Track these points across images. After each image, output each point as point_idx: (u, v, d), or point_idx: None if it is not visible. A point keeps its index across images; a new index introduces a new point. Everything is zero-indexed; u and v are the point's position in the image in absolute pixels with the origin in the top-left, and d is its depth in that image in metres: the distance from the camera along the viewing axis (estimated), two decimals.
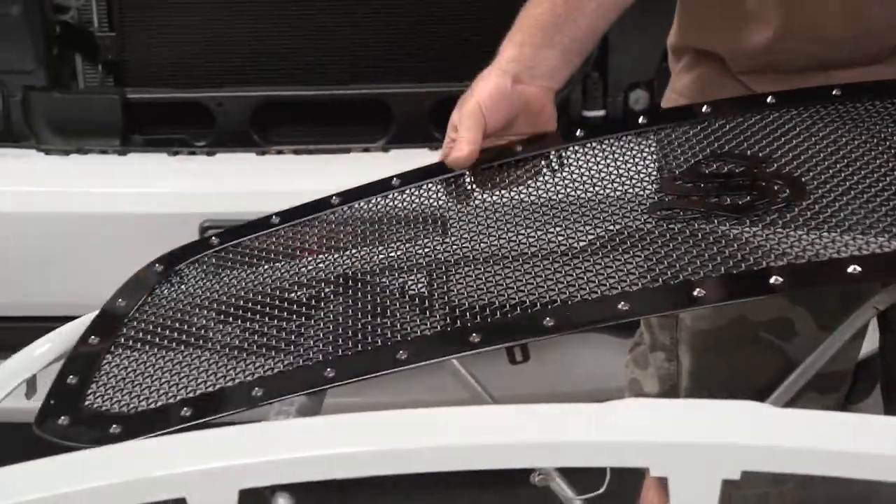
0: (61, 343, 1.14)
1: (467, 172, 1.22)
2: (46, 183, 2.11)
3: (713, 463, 0.81)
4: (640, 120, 1.25)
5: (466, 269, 1.07)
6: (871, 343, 1.53)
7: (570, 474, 1.33)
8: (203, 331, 1.09)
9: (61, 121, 2.20)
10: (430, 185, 1.24)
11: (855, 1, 1.26)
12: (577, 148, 1.24)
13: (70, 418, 0.99)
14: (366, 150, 2.20)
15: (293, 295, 1.10)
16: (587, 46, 1.28)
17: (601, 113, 2.25)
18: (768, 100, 1.22)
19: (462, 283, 1.05)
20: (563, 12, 1.22)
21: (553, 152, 1.24)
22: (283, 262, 1.17)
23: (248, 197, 2.00)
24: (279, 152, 2.18)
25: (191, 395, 0.99)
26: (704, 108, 1.24)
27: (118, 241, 1.94)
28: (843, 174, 1.06)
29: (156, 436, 0.93)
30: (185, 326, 1.09)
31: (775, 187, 1.06)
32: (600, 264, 1.01)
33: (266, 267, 1.18)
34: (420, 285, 1.08)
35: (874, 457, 0.80)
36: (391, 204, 1.23)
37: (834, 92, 1.20)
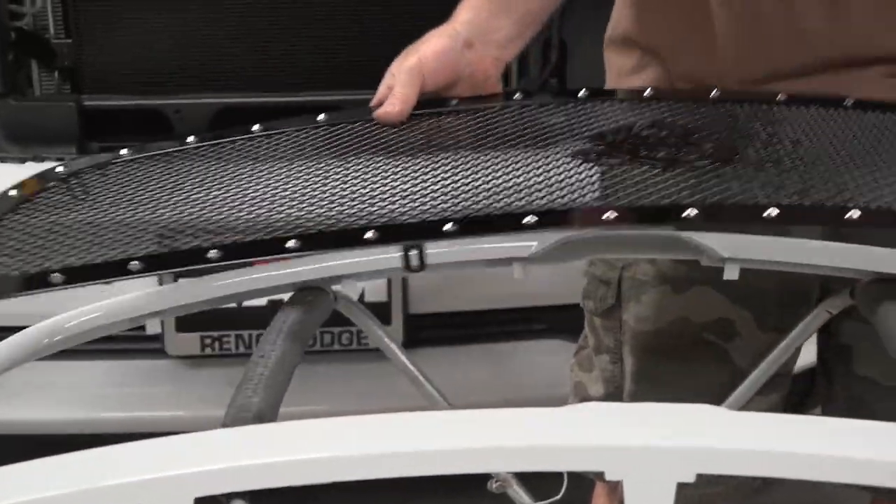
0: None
1: None
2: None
3: (668, 466, 0.81)
4: (582, 93, 1.24)
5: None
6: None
7: (527, 481, 1.32)
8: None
9: (17, 128, 2.18)
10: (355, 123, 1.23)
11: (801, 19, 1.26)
12: (515, 106, 1.23)
13: None
14: None
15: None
16: (541, 18, 1.25)
17: None
18: (713, 94, 1.23)
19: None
20: None
21: (493, 106, 1.22)
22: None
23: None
24: None
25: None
26: (647, 92, 1.25)
27: None
28: (773, 153, 1.09)
29: None
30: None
31: (705, 149, 1.08)
32: (522, 189, 1.03)
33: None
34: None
35: (826, 458, 0.81)
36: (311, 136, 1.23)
37: (778, 97, 1.22)
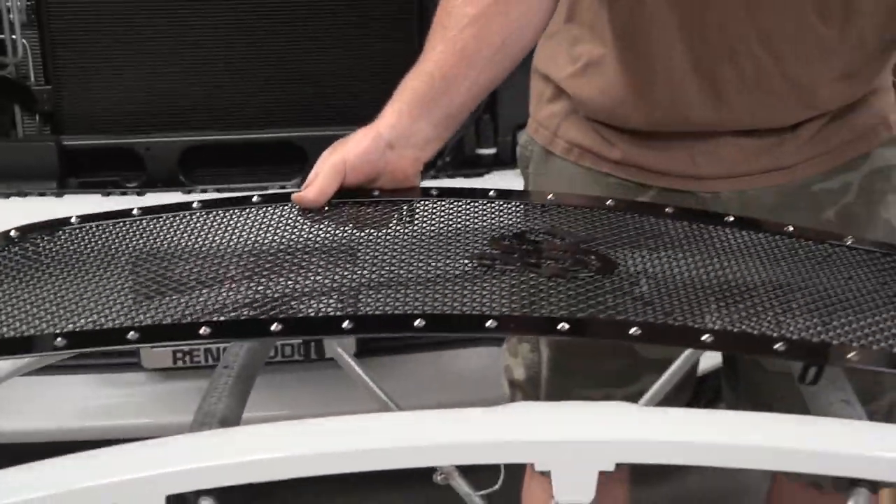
0: None
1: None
2: None
3: (590, 457, 0.82)
4: (490, 193, 1.22)
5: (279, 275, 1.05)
6: None
7: (468, 473, 1.32)
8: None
9: (2, 166, 2.15)
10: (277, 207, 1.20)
11: (723, 90, 1.25)
12: (424, 202, 1.22)
13: None
14: (282, 187, 2.17)
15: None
16: (459, 121, 1.23)
17: (493, 151, 2.26)
18: (607, 202, 1.20)
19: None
20: (440, 88, 1.18)
21: (404, 202, 1.21)
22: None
23: None
24: (203, 191, 2.14)
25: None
26: (549, 196, 1.22)
27: None
28: (647, 266, 1.06)
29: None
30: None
31: (589, 262, 1.06)
32: (414, 291, 1.01)
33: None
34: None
35: (727, 446, 0.82)
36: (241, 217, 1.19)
37: (667, 209, 1.19)
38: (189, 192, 2.14)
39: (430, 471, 1.29)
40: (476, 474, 1.29)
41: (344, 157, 1.15)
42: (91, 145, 2.22)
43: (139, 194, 2.13)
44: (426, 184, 1.28)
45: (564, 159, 1.36)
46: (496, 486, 1.32)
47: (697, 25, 1.22)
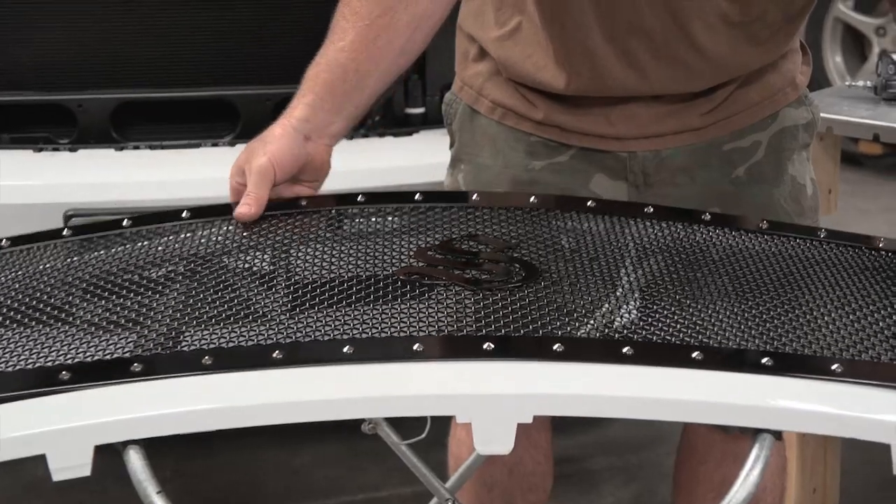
0: None
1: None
2: None
3: (509, 410, 0.85)
4: (417, 197, 1.23)
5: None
6: None
7: (396, 423, 1.34)
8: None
9: None
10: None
11: (636, 60, 1.29)
12: (353, 210, 1.24)
13: None
14: (214, 145, 2.18)
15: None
16: (365, 111, 1.28)
17: (421, 110, 2.28)
18: (531, 199, 1.22)
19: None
20: (352, 82, 1.21)
21: (332, 212, 1.23)
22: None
23: (109, 187, 1.97)
24: (136, 148, 2.14)
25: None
26: (474, 197, 1.24)
27: None
28: (571, 270, 1.07)
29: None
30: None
31: (514, 270, 1.08)
32: (341, 312, 1.00)
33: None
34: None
35: (643, 400, 0.86)
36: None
37: (589, 203, 1.21)
38: (121, 148, 2.13)
39: (359, 422, 1.30)
40: (403, 424, 1.31)
41: (269, 160, 1.17)
42: (22, 101, 2.19)
43: (71, 150, 2.12)
44: (350, 186, 1.33)
45: (488, 118, 1.39)
46: (422, 436, 1.34)
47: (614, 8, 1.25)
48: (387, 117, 2.24)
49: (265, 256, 1.15)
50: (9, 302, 1.03)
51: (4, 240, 1.17)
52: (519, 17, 1.33)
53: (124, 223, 1.18)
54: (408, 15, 1.20)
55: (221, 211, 1.20)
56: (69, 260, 1.15)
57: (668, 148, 1.35)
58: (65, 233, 1.19)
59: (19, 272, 1.11)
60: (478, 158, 1.40)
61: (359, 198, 1.24)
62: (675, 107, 1.34)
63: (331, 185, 1.31)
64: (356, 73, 1.20)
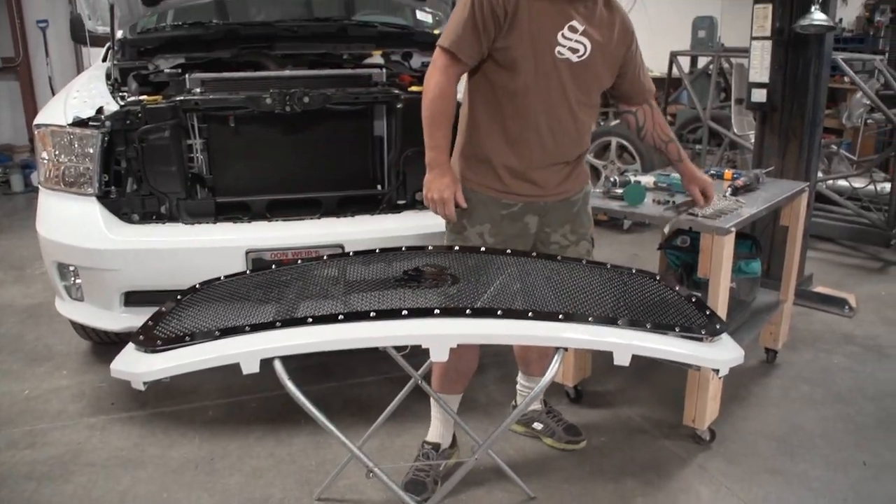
0: None
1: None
2: None
3: (444, 341, 1.52)
4: (402, 249, 2.08)
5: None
6: None
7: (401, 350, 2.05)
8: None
9: (194, 210, 2.95)
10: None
11: (555, 139, 2.15)
12: (377, 254, 2.05)
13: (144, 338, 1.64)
14: (311, 218, 2.96)
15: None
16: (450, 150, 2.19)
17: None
18: (454, 248, 2.07)
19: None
20: (447, 138, 2.06)
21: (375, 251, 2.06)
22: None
23: (266, 238, 2.78)
24: (275, 220, 2.93)
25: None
26: (429, 247, 2.09)
27: None
28: (479, 280, 1.82)
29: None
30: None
31: (446, 279, 1.84)
32: (371, 297, 1.72)
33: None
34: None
35: (505, 336, 1.55)
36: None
37: (507, 251, 2.06)
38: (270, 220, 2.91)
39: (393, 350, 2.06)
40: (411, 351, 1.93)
41: (453, 186, 2.12)
42: (230, 201, 3.00)
43: (247, 222, 2.91)
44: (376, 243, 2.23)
45: (472, 190, 2.22)
46: (405, 349, 1.96)
47: (548, 116, 2.10)
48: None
49: (332, 273, 1.92)
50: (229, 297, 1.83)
51: (223, 276, 1.95)
52: (490, 125, 2.21)
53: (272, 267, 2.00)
54: (450, 109, 2.10)
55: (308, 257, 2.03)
56: (252, 279, 1.94)
57: (558, 197, 2.23)
58: (247, 271, 2.02)
59: (229, 290, 1.89)
60: (474, 212, 2.25)
61: (376, 250, 2.05)
62: (562, 173, 2.19)
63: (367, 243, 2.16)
64: (445, 137, 2.10)
